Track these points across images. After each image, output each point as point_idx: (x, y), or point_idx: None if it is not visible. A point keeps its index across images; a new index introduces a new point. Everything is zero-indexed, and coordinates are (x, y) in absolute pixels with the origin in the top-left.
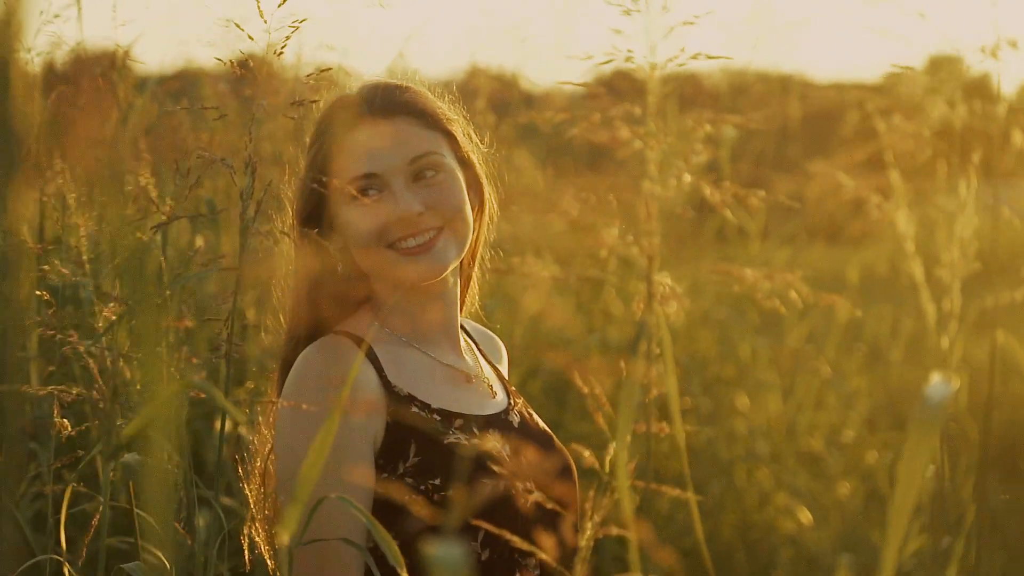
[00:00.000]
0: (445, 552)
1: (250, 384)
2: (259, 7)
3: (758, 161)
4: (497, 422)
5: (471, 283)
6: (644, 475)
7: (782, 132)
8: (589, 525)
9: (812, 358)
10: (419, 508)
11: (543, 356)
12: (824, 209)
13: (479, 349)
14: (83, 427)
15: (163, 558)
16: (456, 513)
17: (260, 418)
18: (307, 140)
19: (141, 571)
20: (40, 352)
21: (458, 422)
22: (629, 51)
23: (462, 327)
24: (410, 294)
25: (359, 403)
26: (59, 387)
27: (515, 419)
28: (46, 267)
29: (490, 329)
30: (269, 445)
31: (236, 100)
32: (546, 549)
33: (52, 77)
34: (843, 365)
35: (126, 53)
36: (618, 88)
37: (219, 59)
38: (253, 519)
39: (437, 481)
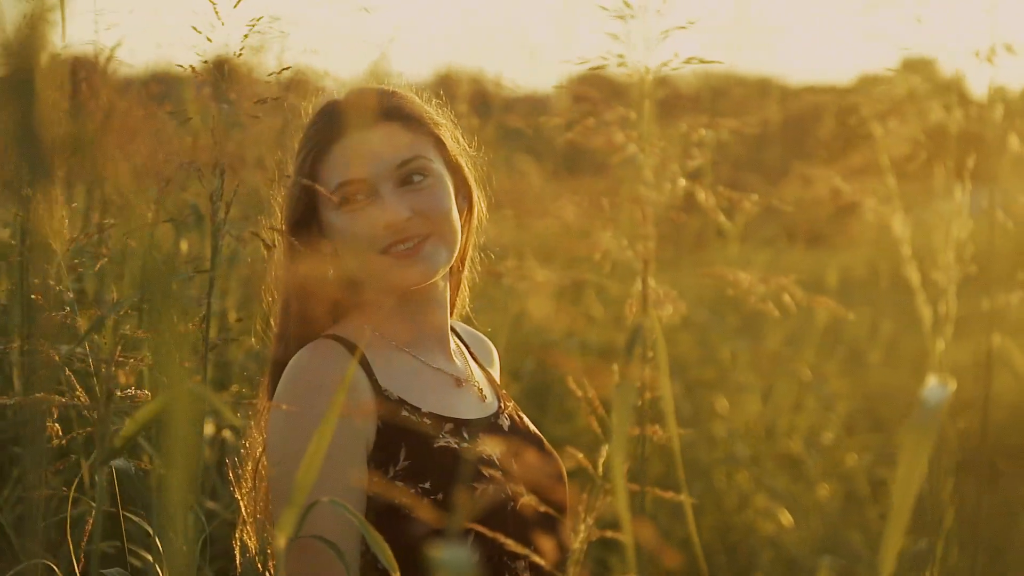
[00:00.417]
0: (451, 556)
1: (235, 387)
2: (215, 10)
3: (736, 165)
4: (487, 425)
5: (461, 286)
6: (636, 478)
7: (760, 136)
8: (582, 527)
9: (791, 361)
10: (421, 512)
11: (529, 358)
12: (804, 212)
13: (470, 352)
14: (75, 434)
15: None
16: (449, 517)
17: (251, 421)
18: (295, 145)
19: None
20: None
21: (448, 426)
22: (620, 56)
23: (453, 330)
24: (400, 298)
25: (352, 406)
26: (45, 394)
27: (505, 422)
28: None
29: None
30: (260, 448)
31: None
32: (537, 552)
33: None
34: (822, 368)
35: (110, 56)
36: (596, 92)
37: (180, 65)
38: (244, 522)
39: (427, 484)
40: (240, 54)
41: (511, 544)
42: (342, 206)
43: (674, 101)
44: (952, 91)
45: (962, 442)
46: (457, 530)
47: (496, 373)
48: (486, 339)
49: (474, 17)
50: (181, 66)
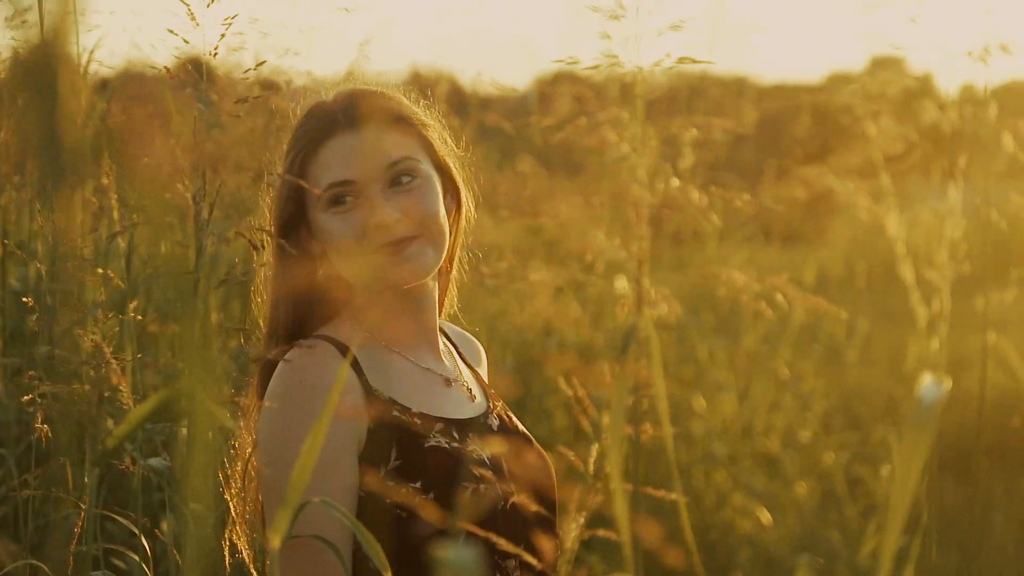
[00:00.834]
0: (455, 556)
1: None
2: (188, 11)
3: (714, 164)
4: (477, 425)
5: (449, 286)
6: (627, 477)
7: (736, 135)
8: (574, 526)
9: (768, 359)
10: (423, 511)
11: (508, 357)
12: (782, 211)
13: (458, 352)
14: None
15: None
16: (443, 516)
17: (240, 422)
18: (284, 147)
19: None
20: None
21: (439, 425)
22: (612, 56)
23: (441, 330)
24: (389, 298)
25: (343, 406)
26: (29, 395)
27: (495, 422)
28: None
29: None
30: (250, 449)
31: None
32: (528, 551)
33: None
34: (799, 366)
35: (90, 57)
36: (567, 91)
37: (153, 66)
38: (234, 522)
39: (418, 484)
40: (215, 53)
41: (502, 543)
42: (331, 207)
43: (653, 101)
44: (923, 90)
45: (940, 440)
46: (454, 530)
47: (484, 372)
48: (474, 339)
49: (452, 17)
50: (155, 67)
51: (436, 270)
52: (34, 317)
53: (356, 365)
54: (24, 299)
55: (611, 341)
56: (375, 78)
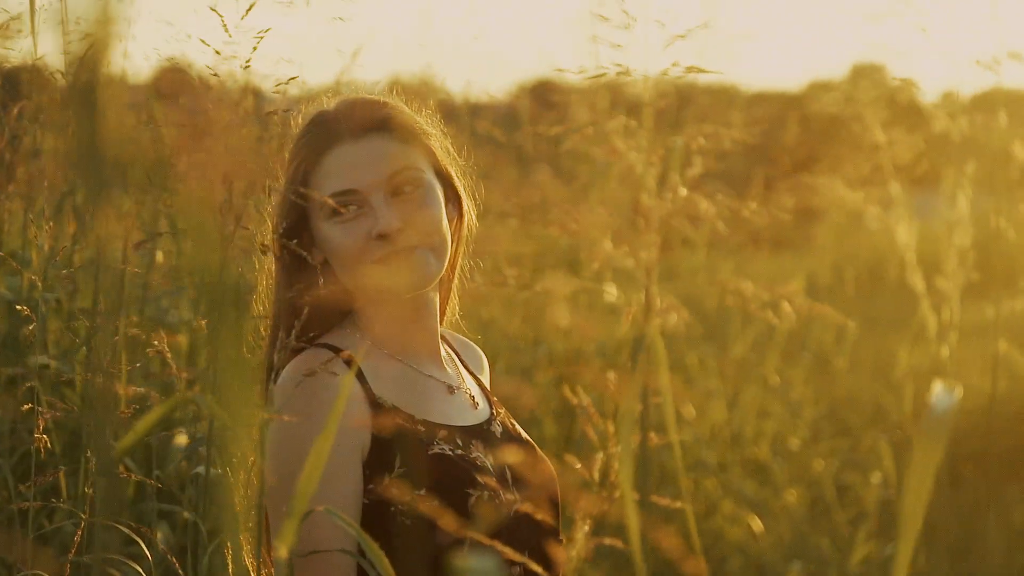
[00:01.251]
0: (479, 565)
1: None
2: (222, 23)
3: (704, 173)
4: (480, 433)
5: (451, 294)
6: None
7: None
8: (580, 534)
9: (758, 367)
10: (448, 522)
11: (500, 363)
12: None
13: (460, 359)
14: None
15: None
16: (451, 523)
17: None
18: (286, 155)
19: None
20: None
21: (442, 433)
22: (620, 65)
23: (443, 338)
24: (391, 306)
25: (347, 415)
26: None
27: (498, 429)
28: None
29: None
30: (252, 458)
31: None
32: (532, 558)
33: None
34: (788, 373)
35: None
36: (546, 99)
37: (202, 78)
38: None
39: (422, 492)
40: (248, 65)
41: (506, 551)
42: (333, 216)
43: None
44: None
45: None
46: (463, 538)
47: (486, 380)
48: (475, 346)
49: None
50: (202, 78)
51: (438, 279)
52: (30, 327)
53: (360, 374)
54: (18, 307)
55: (601, 349)
56: (369, 87)
